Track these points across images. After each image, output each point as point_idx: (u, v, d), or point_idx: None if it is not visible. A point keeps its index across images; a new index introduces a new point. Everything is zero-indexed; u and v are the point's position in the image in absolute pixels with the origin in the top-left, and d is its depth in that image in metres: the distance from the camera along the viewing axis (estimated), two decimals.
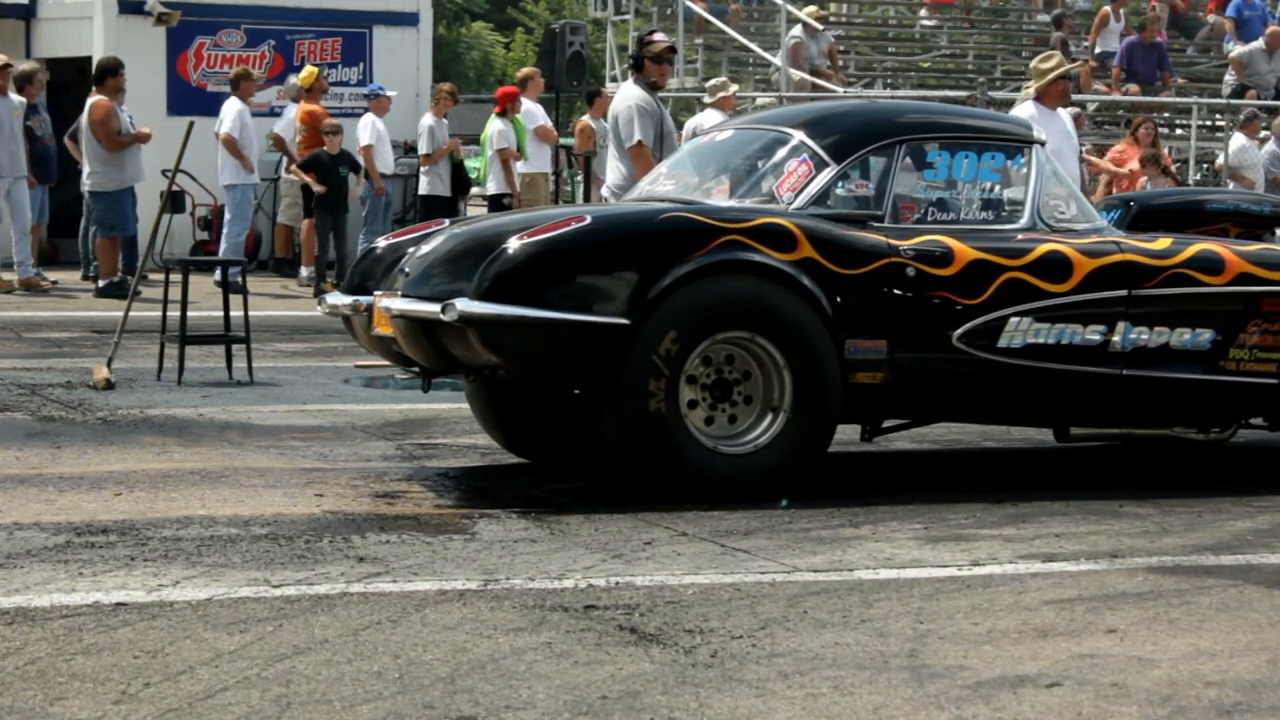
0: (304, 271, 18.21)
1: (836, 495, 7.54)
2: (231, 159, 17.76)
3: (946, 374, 7.78)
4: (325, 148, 17.51)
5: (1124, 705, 4.72)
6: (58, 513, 6.91)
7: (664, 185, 8.50)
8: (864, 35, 26.24)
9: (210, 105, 18.36)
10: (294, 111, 18.63)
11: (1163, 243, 8.16)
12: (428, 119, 18.88)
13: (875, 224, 7.74)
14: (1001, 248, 7.80)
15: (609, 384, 7.28)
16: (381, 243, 8.26)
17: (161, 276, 12.01)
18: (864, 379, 7.59)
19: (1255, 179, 19.62)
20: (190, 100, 19.26)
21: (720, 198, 8.09)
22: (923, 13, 26.86)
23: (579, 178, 20.11)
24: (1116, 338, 7.93)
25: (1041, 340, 7.81)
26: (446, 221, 8.45)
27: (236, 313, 11.28)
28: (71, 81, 19.45)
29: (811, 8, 22.79)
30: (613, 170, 10.89)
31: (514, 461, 8.43)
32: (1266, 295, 8.17)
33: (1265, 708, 4.75)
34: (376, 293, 7.78)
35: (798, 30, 22.02)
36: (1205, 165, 22.12)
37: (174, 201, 13.31)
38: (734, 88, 17.05)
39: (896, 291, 7.61)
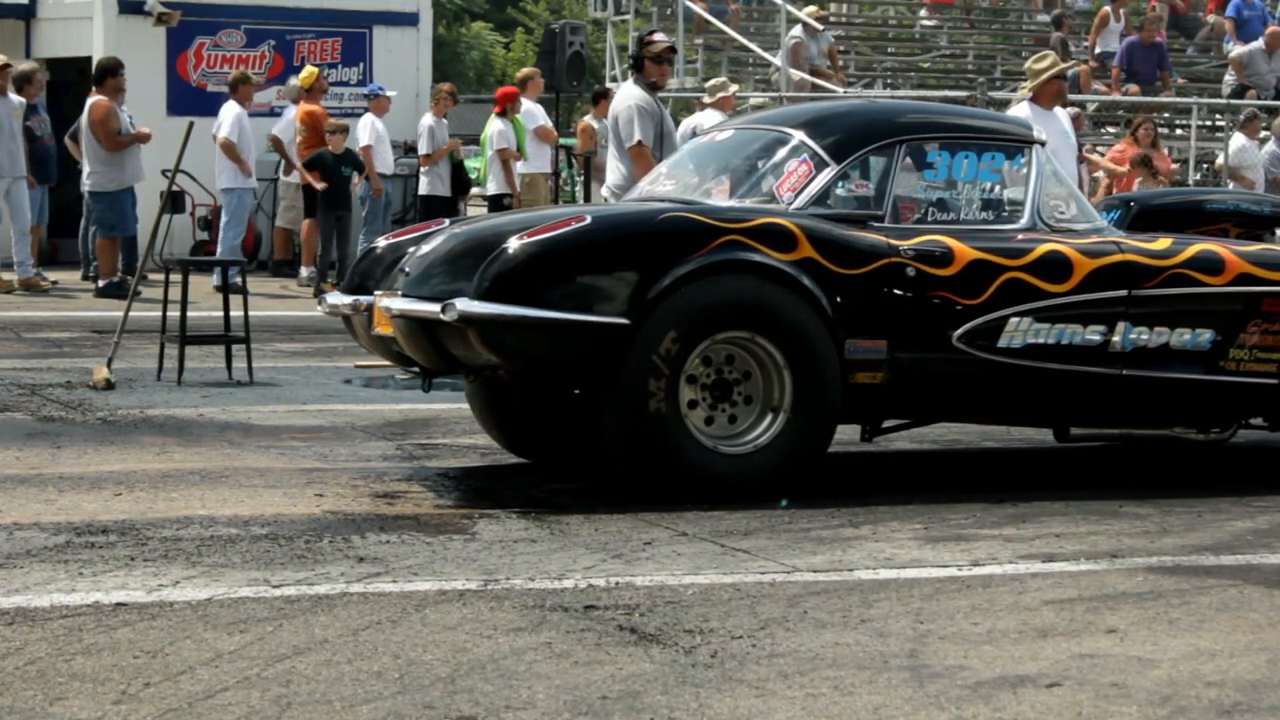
0: (304, 271, 18.21)
1: (836, 495, 7.54)
2: (229, 163, 17.76)
3: (947, 374, 7.78)
4: (329, 147, 17.52)
5: (1124, 705, 4.72)
6: (58, 513, 6.91)
7: (664, 185, 8.50)
8: (864, 35, 26.24)
9: (210, 105, 18.37)
10: (293, 113, 18.64)
11: (1163, 243, 8.16)
12: (428, 119, 18.88)
13: (875, 224, 7.74)
14: (1002, 248, 7.80)
15: (609, 384, 7.28)
16: (382, 242, 8.26)
17: (161, 276, 12.01)
18: (864, 379, 7.59)
19: (1255, 179, 19.63)
20: (190, 100, 19.27)
21: (720, 198, 8.09)
22: (923, 13, 26.86)
23: (579, 177, 20.13)
24: (1116, 338, 7.93)
25: (1041, 340, 7.81)
26: (446, 221, 8.45)
27: (236, 313, 11.28)
28: (71, 81, 19.46)
29: (811, 8, 22.80)
30: (613, 170, 10.90)
31: (514, 461, 8.43)
32: (1266, 295, 8.17)
33: (1265, 708, 4.75)
34: (377, 292, 7.78)
35: (798, 30, 22.02)
36: (1205, 165, 22.12)
37: (174, 202, 13.31)
38: (734, 88, 17.06)
39: (897, 291, 7.61)
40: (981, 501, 7.55)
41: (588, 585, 5.89)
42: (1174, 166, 20.79)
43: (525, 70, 20.76)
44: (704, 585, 5.94)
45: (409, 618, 5.42)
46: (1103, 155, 19.76)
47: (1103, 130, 22.41)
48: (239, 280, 12.59)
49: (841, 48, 23.80)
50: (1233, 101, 22.16)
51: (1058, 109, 11.83)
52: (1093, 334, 7.90)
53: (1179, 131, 23.11)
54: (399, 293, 7.55)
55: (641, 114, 10.66)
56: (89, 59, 18.23)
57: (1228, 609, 5.82)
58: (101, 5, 19.49)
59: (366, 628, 5.29)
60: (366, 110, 18.93)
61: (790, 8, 22.03)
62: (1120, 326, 7.94)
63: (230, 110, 17.84)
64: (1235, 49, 23.12)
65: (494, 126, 18.64)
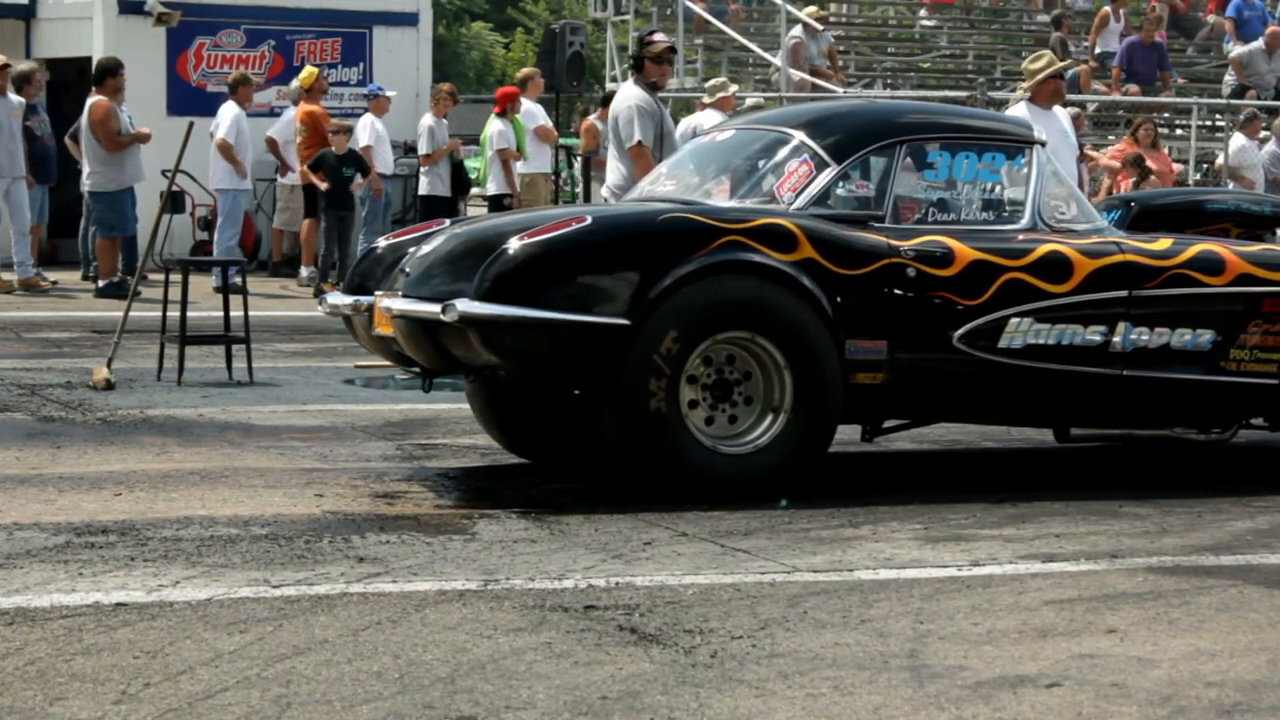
0: (304, 271, 18.21)
1: (836, 495, 7.54)
2: (224, 163, 17.76)
3: (947, 374, 7.78)
4: (331, 147, 17.53)
5: (1124, 705, 4.72)
6: (58, 513, 6.91)
7: (664, 185, 8.50)
8: (864, 35, 26.25)
9: (210, 105, 18.37)
10: (291, 114, 18.65)
11: (1163, 243, 8.16)
12: (427, 119, 18.88)
13: (876, 224, 7.74)
14: (1002, 248, 7.80)
15: (609, 384, 7.28)
16: (382, 242, 8.26)
17: (161, 277, 12.01)
18: (864, 379, 7.59)
19: (1255, 179, 19.64)
20: (190, 100, 19.27)
21: (721, 198, 8.08)
22: (923, 13, 26.87)
23: (579, 177, 20.15)
24: (1117, 338, 7.93)
25: (1042, 341, 7.80)
26: (447, 221, 8.45)
27: (236, 313, 11.28)
28: (71, 81, 19.45)
29: (811, 8, 22.80)
30: (612, 170, 10.89)
31: (514, 461, 8.43)
32: (1267, 296, 8.17)
33: (1265, 708, 4.75)
34: (377, 293, 7.78)
35: (798, 30, 22.02)
36: (1205, 165, 22.12)
37: (174, 202, 13.31)
38: (734, 88, 17.05)
39: (897, 292, 7.61)
40: (981, 501, 7.55)
41: (588, 585, 5.89)
42: (1179, 168, 20.78)
43: (525, 70, 20.76)
44: (704, 585, 5.94)
45: (409, 618, 5.42)
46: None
47: (1109, 136, 22.39)
48: (239, 280, 12.59)
49: (841, 48, 23.80)
50: (1233, 102, 22.16)
51: (1057, 109, 11.82)
52: (1093, 334, 7.90)
53: (1179, 131, 23.11)
54: (399, 293, 7.55)
55: (641, 114, 10.66)
56: (89, 59, 18.23)
57: (1228, 609, 5.82)
58: (101, 5, 19.49)
59: (366, 628, 5.29)
60: (366, 110, 18.94)
61: (790, 8, 22.03)
62: (1121, 327, 7.93)
63: (228, 111, 17.85)
64: (1235, 49, 23.12)
65: (494, 127, 18.64)
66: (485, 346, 7.19)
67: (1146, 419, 8.62)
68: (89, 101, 16.55)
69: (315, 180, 17.57)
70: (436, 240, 7.72)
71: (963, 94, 20.60)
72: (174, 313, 10.97)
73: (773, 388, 7.48)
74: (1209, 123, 23.24)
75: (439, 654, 5.05)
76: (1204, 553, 6.71)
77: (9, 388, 10.43)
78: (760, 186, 8.00)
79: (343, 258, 17.23)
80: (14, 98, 16.92)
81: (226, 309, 11.32)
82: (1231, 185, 19.18)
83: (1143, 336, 7.98)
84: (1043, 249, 7.85)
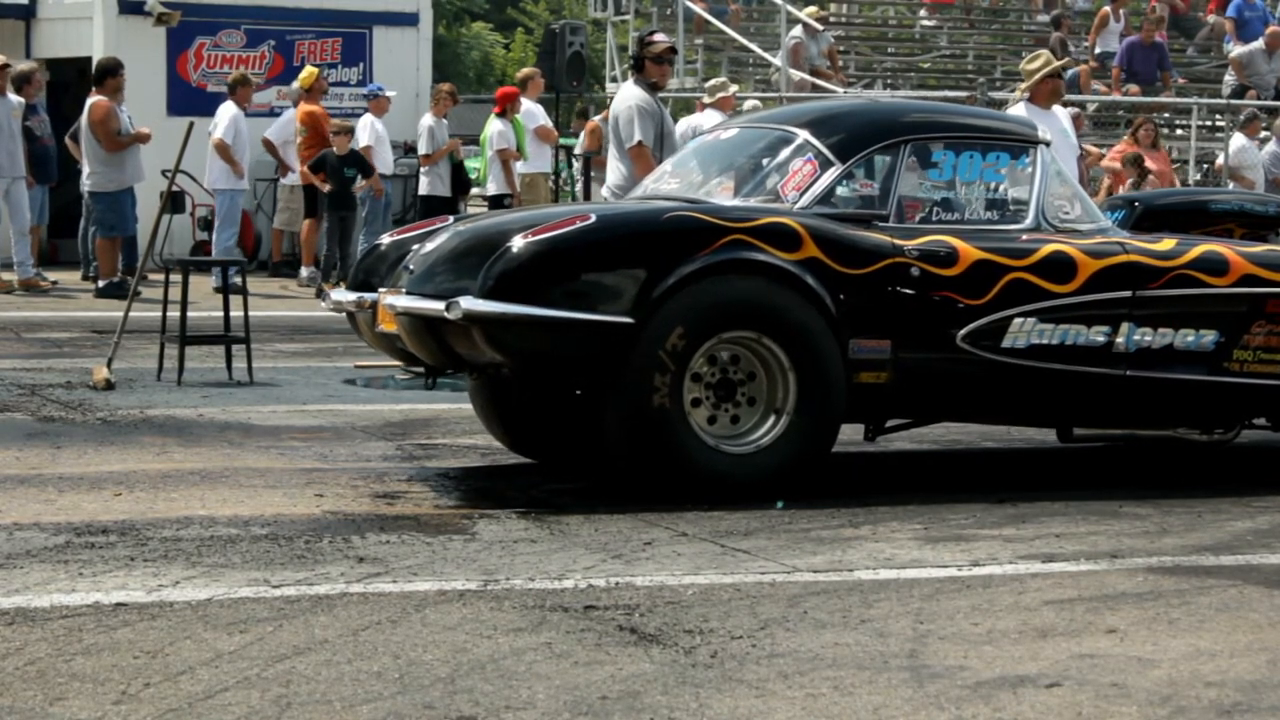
0: (304, 271, 18.21)
1: (836, 495, 7.54)
2: (222, 164, 17.76)
3: (950, 374, 7.77)
4: (333, 148, 17.55)
5: (1124, 705, 4.72)
6: (58, 513, 6.91)
7: (668, 183, 8.49)
8: (864, 35, 26.25)
9: (210, 106, 18.36)
10: (289, 116, 18.65)
11: (1167, 244, 8.15)
12: (427, 119, 18.88)
13: (880, 224, 7.74)
14: (1006, 248, 7.80)
15: (613, 383, 7.28)
16: (386, 239, 8.26)
17: (161, 277, 12.01)
18: (868, 379, 7.59)
19: (1255, 179, 19.64)
20: (190, 100, 19.26)
21: (724, 196, 8.08)
22: (923, 13, 26.87)
23: (579, 177, 20.14)
24: (1120, 339, 7.93)
25: (1045, 341, 7.80)
26: (451, 218, 8.44)
27: (236, 313, 11.27)
28: (71, 81, 19.45)
29: (811, 8, 22.81)
30: (613, 170, 10.89)
31: (514, 461, 8.43)
32: (1270, 297, 8.17)
33: (1265, 708, 4.75)
34: (381, 290, 7.78)
35: (798, 31, 22.03)
36: (1205, 165, 22.12)
37: (174, 202, 13.31)
38: (734, 88, 17.05)
39: (901, 291, 7.60)
40: (981, 501, 7.55)
41: (588, 585, 5.89)
42: (1172, 168, 20.78)
43: (525, 70, 20.76)
44: (704, 585, 5.94)
45: (409, 618, 5.42)
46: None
47: (1109, 138, 22.39)
48: (239, 280, 12.59)
49: (841, 48, 23.81)
50: (1233, 102, 22.16)
51: (1057, 108, 11.82)
52: (1097, 335, 7.90)
53: (1179, 132, 23.11)
54: (403, 290, 7.54)
55: (642, 114, 10.66)
56: (89, 59, 18.23)
57: (1228, 609, 5.82)
58: (101, 5, 19.49)
59: (366, 628, 5.29)
60: (366, 110, 18.94)
61: (790, 8, 22.04)
62: (1124, 327, 7.93)
63: (226, 111, 17.84)
64: (1235, 49, 23.12)
65: (494, 127, 18.64)
66: (489, 344, 7.19)
67: (1150, 419, 8.62)
68: (89, 101, 16.55)
69: (316, 182, 17.58)
70: (440, 237, 7.71)
71: (963, 94, 20.60)
72: (174, 313, 10.97)
73: (776, 387, 7.47)
74: (1209, 123, 23.24)
75: (439, 654, 5.04)
76: (1204, 553, 6.71)
77: (9, 388, 10.44)
78: (764, 185, 7.99)
79: (343, 258, 17.24)
80: (14, 98, 16.92)
81: (226, 309, 11.32)
82: (1231, 185, 19.18)
83: (1146, 337, 7.98)
84: (1047, 249, 7.84)
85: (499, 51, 57.54)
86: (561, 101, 21.40)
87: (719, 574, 6.11)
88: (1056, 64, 11.68)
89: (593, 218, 7.46)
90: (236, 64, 19.62)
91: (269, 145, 18.66)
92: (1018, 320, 7.76)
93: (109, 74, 16.55)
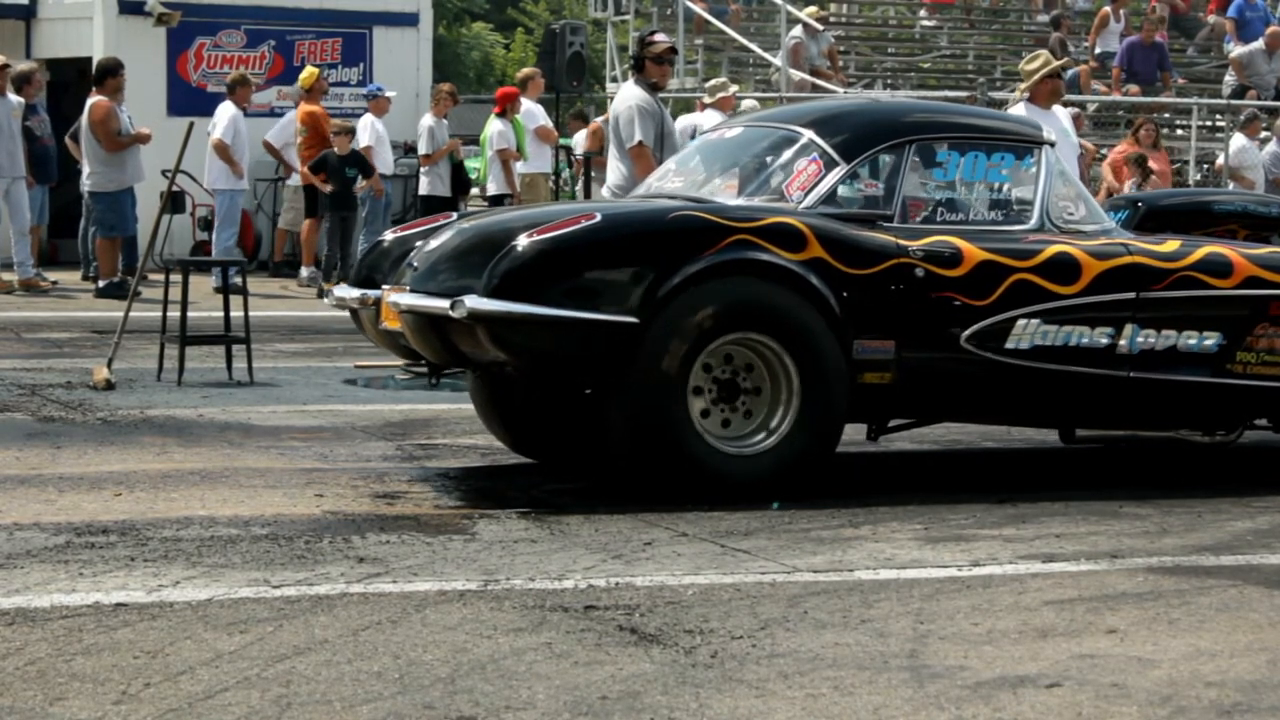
0: (304, 272, 18.22)
1: (836, 495, 7.54)
2: (221, 164, 17.76)
3: (954, 375, 7.77)
4: (334, 149, 17.55)
5: (1124, 705, 4.72)
6: (58, 513, 6.91)
7: (672, 182, 8.49)
8: (864, 35, 26.25)
9: (210, 106, 18.36)
10: (289, 117, 18.65)
11: (1171, 245, 8.15)
12: (428, 119, 18.89)
13: (884, 224, 7.73)
14: (1010, 249, 7.80)
15: (617, 383, 7.28)
16: (389, 236, 8.26)
17: (161, 277, 12.01)
18: (872, 379, 7.58)
19: (1255, 179, 19.65)
20: (190, 101, 19.26)
21: (728, 195, 8.07)
22: (923, 13, 26.87)
23: (579, 177, 20.13)
24: (1124, 340, 7.93)
25: (1049, 342, 7.80)
26: (454, 215, 8.43)
27: (236, 313, 11.27)
28: (71, 82, 19.45)
29: (811, 8, 22.80)
30: (613, 170, 10.89)
31: (514, 461, 8.43)
32: (1274, 299, 8.17)
33: (1265, 708, 4.75)
34: (384, 287, 7.77)
35: (798, 31, 22.02)
36: (1205, 166, 22.12)
37: (174, 202, 13.31)
38: (734, 88, 17.06)
39: (905, 292, 7.60)
40: (981, 501, 7.55)
41: (588, 585, 5.89)
42: (1171, 168, 20.78)
43: (525, 70, 20.76)
44: (704, 585, 5.94)
45: (409, 618, 5.42)
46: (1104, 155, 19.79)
47: (1112, 140, 22.40)
48: (239, 280, 12.59)
49: (841, 48, 23.81)
50: (1233, 102, 22.16)
51: (1057, 108, 11.82)
52: (1100, 336, 7.90)
53: (1179, 132, 23.11)
54: (407, 288, 7.54)
55: (642, 114, 10.66)
56: (89, 59, 18.23)
57: (1228, 609, 5.82)
58: (101, 5, 19.49)
59: (366, 628, 5.29)
60: (366, 111, 18.95)
61: (790, 8, 22.03)
62: (1128, 329, 7.93)
63: (225, 111, 17.84)
64: (1235, 49, 23.12)
65: (494, 127, 18.64)
66: (493, 343, 7.19)
67: (1153, 421, 8.62)
68: (89, 102, 16.55)
69: (317, 182, 17.58)
70: (444, 235, 7.71)
71: (963, 94, 20.60)
72: (174, 313, 10.97)
73: (780, 387, 7.47)
74: (1209, 123, 23.24)
75: (439, 654, 5.04)
76: (1204, 553, 6.71)
77: (9, 388, 10.43)
78: (769, 184, 7.99)
79: (344, 258, 17.25)
80: (14, 98, 16.92)
81: (227, 309, 11.32)
82: (1232, 185, 19.18)
83: (1149, 338, 7.98)
84: (1051, 250, 7.84)
85: (499, 51, 57.53)
86: (562, 102, 21.40)
87: (719, 574, 6.11)
88: (1055, 64, 11.68)
89: (598, 217, 7.45)
90: (236, 64, 19.62)
91: (270, 148, 18.67)
92: (1022, 321, 7.75)
93: (109, 74, 16.55)
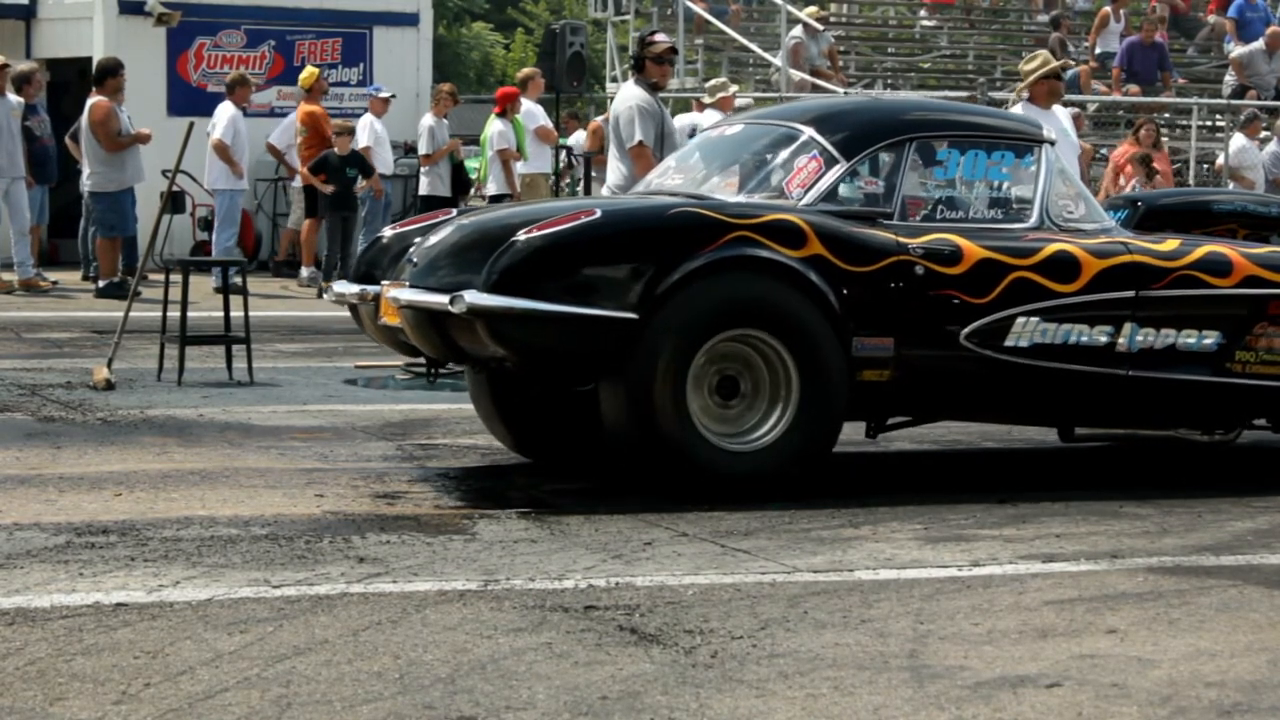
0: (304, 272, 18.22)
1: (836, 495, 7.54)
2: (221, 164, 17.76)
3: (953, 372, 7.77)
4: (334, 149, 17.55)
5: (1124, 705, 4.72)
6: (58, 513, 6.91)
7: (672, 179, 8.49)
8: (864, 35, 26.25)
9: (210, 106, 18.36)
10: (292, 118, 18.64)
11: (1170, 244, 8.15)
12: (428, 119, 18.89)
13: (884, 221, 7.73)
14: (1010, 247, 7.80)
15: (616, 379, 7.28)
16: (388, 232, 8.27)
17: (161, 277, 12.02)
18: (871, 377, 7.58)
19: (1255, 179, 19.66)
20: (190, 101, 19.27)
21: (728, 192, 8.07)
22: (923, 13, 26.88)
23: (579, 175, 20.13)
24: (1123, 339, 7.93)
25: (1048, 340, 7.80)
26: (454, 211, 8.44)
27: (236, 313, 11.28)
28: (71, 82, 19.46)
29: (811, 8, 22.80)
30: (613, 170, 10.90)
31: (514, 461, 8.43)
32: (1273, 298, 8.17)
33: (1265, 708, 4.75)
34: (384, 282, 7.78)
35: (798, 31, 22.02)
36: (1205, 166, 22.13)
37: (174, 202, 13.31)
38: (734, 88, 17.05)
39: (904, 289, 7.60)
40: (981, 501, 7.55)
41: (588, 585, 5.89)
42: (1172, 167, 20.78)
43: (525, 70, 20.76)
44: (704, 585, 5.94)
45: (409, 618, 5.42)
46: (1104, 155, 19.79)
47: (1112, 140, 22.39)
48: (239, 280, 12.59)
49: (841, 48, 23.81)
50: (1233, 102, 22.17)
51: (1057, 108, 11.83)
52: (1099, 334, 7.90)
53: (1179, 132, 23.11)
54: (406, 283, 7.54)
55: (643, 114, 10.66)
56: (89, 59, 18.23)
57: (1228, 609, 5.82)
58: (101, 5, 19.50)
59: (367, 628, 5.29)
60: (366, 110, 18.95)
61: (790, 8, 22.03)
62: (1127, 328, 7.93)
63: (225, 111, 17.84)
64: (1236, 49, 23.12)
65: (494, 127, 18.64)
66: (492, 338, 7.19)
67: (1151, 419, 8.62)
68: (89, 102, 16.55)
69: (317, 183, 17.59)
70: (444, 230, 7.71)
71: (963, 94, 20.60)
72: (174, 313, 10.97)
73: (779, 384, 7.47)
74: (1209, 123, 23.24)
75: (439, 654, 5.04)
76: (1204, 553, 6.71)
77: (9, 388, 10.43)
78: (769, 181, 7.99)
79: (344, 257, 17.26)
80: (14, 98, 16.92)
81: (227, 309, 11.32)
82: (1232, 185, 19.19)
83: (1149, 337, 7.98)
84: (1051, 248, 7.84)
85: (499, 52, 57.53)
86: (561, 102, 21.40)
87: (719, 574, 6.11)
88: (1052, 65, 11.67)
89: (597, 213, 7.45)
90: (236, 64, 19.62)
91: (273, 150, 18.67)
92: (1021, 319, 7.75)
93: (109, 74, 16.55)
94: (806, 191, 7.78)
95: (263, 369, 11.24)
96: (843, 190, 7.83)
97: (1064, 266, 7.82)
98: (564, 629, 5.34)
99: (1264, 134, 20.42)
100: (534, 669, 4.92)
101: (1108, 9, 23.97)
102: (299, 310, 15.91)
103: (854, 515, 7.19)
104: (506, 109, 18.69)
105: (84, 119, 16.64)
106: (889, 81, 24.03)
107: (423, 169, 19.06)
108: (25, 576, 5.84)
